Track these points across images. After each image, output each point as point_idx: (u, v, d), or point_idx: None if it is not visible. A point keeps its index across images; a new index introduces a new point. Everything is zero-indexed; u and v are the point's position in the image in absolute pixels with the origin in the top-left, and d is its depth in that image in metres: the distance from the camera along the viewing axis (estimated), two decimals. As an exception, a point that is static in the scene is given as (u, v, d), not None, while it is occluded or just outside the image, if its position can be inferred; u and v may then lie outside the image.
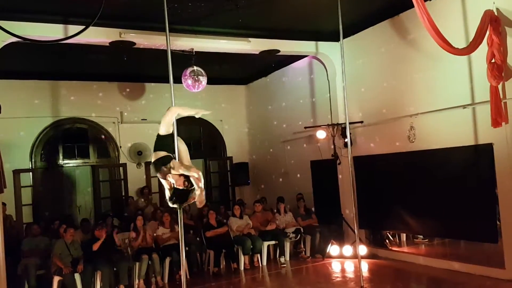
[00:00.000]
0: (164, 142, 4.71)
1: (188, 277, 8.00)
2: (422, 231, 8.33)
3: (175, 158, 4.63)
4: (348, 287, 7.14)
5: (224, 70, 10.96)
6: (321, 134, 9.44)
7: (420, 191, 7.73)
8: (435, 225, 7.61)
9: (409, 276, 7.57)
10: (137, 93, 11.56)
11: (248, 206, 10.51)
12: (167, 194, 4.67)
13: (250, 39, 8.55)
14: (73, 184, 11.25)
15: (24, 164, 10.32)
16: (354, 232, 7.62)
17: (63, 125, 10.93)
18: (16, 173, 10.08)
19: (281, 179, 11.42)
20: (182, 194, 4.56)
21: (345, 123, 7.27)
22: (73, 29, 6.66)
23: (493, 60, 6.22)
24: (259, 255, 8.88)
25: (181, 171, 4.49)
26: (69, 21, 7.01)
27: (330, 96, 9.69)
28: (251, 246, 8.71)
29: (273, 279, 8.10)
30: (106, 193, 11.31)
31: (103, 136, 11.27)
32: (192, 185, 4.53)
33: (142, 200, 10.80)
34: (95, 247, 7.59)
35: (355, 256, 7.97)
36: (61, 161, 10.98)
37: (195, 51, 8.28)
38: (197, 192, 4.58)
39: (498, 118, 6.15)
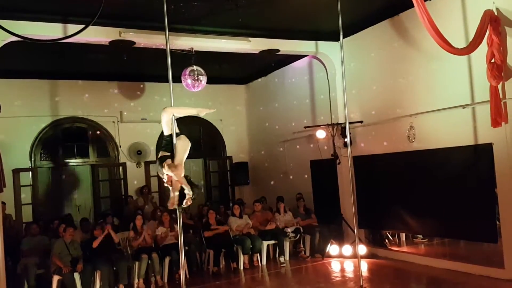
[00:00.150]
0: (167, 142, 4.77)
1: (187, 276, 8.00)
2: (422, 230, 8.33)
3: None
4: (348, 287, 7.14)
5: (224, 70, 10.96)
6: (320, 133, 9.44)
7: (419, 191, 7.73)
8: (435, 225, 7.61)
9: (408, 276, 7.57)
10: (137, 93, 11.56)
11: (248, 205, 10.51)
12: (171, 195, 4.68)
13: (250, 38, 8.55)
14: (73, 183, 11.24)
15: (23, 163, 10.32)
16: (354, 232, 7.62)
17: (62, 125, 10.92)
18: (16, 172, 10.07)
19: (280, 179, 11.42)
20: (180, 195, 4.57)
21: (344, 122, 7.28)
22: (73, 28, 6.65)
23: (493, 60, 6.22)
24: (258, 255, 8.88)
25: (165, 170, 4.52)
26: (69, 20, 7.01)
27: (329, 95, 9.69)
28: (251, 246, 8.71)
29: (273, 279, 8.10)
30: (105, 193, 11.31)
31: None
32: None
33: (142, 199, 10.80)
34: (95, 244, 7.60)
35: (354, 255, 7.96)
36: (60, 161, 10.97)
37: (195, 51, 8.28)
38: (171, 193, 4.60)
39: (497, 118, 6.14)
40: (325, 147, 9.59)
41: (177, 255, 7.36)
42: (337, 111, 9.45)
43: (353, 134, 8.91)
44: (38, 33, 6.80)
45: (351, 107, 8.35)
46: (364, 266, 7.97)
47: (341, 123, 9.12)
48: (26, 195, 10.25)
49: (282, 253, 9.14)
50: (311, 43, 9.29)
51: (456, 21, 6.92)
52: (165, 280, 8.09)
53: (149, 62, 9.57)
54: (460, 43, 6.51)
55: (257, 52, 9.10)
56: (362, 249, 8.24)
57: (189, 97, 10.24)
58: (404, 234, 9.42)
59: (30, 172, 10.43)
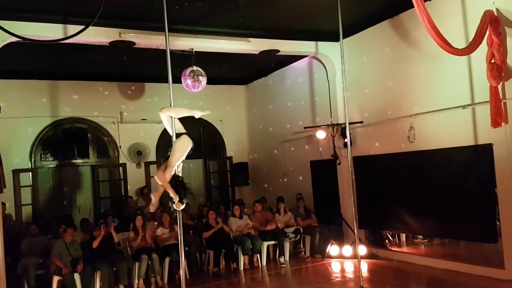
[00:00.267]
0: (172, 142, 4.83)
1: (187, 277, 8.00)
2: (422, 231, 8.33)
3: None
4: (348, 287, 7.14)
5: (224, 70, 10.96)
6: (321, 134, 9.44)
7: (420, 191, 7.73)
8: (435, 225, 7.61)
9: (408, 276, 7.57)
10: (137, 93, 11.56)
11: (248, 206, 10.51)
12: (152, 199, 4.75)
13: (250, 39, 8.55)
14: (73, 184, 11.24)
15: (23, 164, 10.32)
16: (354, 232, 7.62)
17: (62, 125, 10.92)
18: (16, 173, 10.08)
19: (280, 179, 11.42)
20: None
21: (345, 123, 7.27)
22: (73, 29, 6.66)
23: (492, 60, 6.22)
24: (258, 255, 8.88)
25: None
26: (69, 20, 7.01)
27: (330, 96, 9.69)
28: (251, 246, 8.70)
29: (273, 279, 8.10)
30: (105, 193, 11.31)
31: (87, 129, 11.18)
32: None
33: (142, 200, 10.79)
34: (95, 244, 7.59)
35: (354, 256, 7.96)
36: (60, 161, 10.97)
37: (194, 51, 8.28)
38: (152, 198, 4.65)
39: (497, 118, 6.14)
40: (325, 148, 9.59)
41: (177, 256, 7.36)
42: (337, 111, 9.45)
43: (353, 135, 8.91)
44: (38, 34, 6.81)
45: (351, 108, 8.35)
46: (364, 266, 7.97)
47: (341, 124, 9.12)
48: (26, 196, 10.25)
49: (282, 253, 9.13)
50: (311, 43, 9.29)
51: (456, 21, 6.92)
52: (165, 280, 8.08)
53: (149, 63, 9.58)
54: (460, 44, 6.50)
55: (257, 53, 9.10)
56: (362, 249, 8.24)
57: (189, 98, 10.24)
58: (404, 235, 9.42)
59: (30, 173, 10.43)
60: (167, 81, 4.94)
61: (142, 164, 11.48)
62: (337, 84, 9.43)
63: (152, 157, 11.51)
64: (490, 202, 6.68)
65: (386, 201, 8.42)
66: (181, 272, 4.96)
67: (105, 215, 9.47)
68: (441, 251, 8.67)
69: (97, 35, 7.30)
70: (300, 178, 10.71)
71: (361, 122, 8.96)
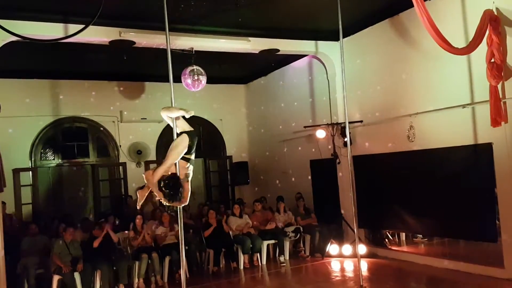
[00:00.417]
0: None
1: (187, 276, 7.99)
2: (422, 230, 8.33)
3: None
4: (348, 286, 7.15)
5: (223, 70, 10.95)
6: (320, 133, 9.44)
7: (419, 190, 7.73)
8: (435, 225, 7.62)
9: (408, 275, 7.57)
10: (137, 92, 11.56)
11: (248, 205, 10.51)
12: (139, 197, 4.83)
13: (249, 38, 8.55)
14: (73, 183, 11.24)
15: (23, 163, 10.33)
16: (354, 231, 7.62)
17: (62, 124, 10.93)
18: (16, 172, 10.08)
19: (280, 178, 11.43)
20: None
21: (344, 122, 7.28)
22: (73, 28, 6.66)
23: (492, 60, 6.22)
24: (258, 254, 8.88)
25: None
26: (69, 20, 7.00)
27: (329, 95, 9.70)
28: (251, 245, 8.71)
29: (273, 278, 8.11)
30: (105, 192, 11.32)
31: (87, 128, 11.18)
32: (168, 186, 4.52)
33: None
34: (95, 244, 7.61)
35: (354, 255, 7.96)
36: (60, 160, 10.98)
37: (194, 50, 8.29)
38: (138, 193, 4.76)
39: (497, 117, 6.15)
40: (325, 147, 9.59)
41: (177, 255, 7.36)
42: (337, 110, 9.45)
43: (353, 134, 8.91)
44: (38, 33, 6.80)
45: (351, 107, 8.35)
46: (364, 265, 7.98)
47: (341, 123, 9.12)
48: (26, 195, 10.26)
49: (282, 252, 9.14)
50: (311, 43, 9.29)
51: (456, 21, 6.92)
52: (165, 279, 8.09)
53: (149, 62, 9.57)
54: (459, 43, 6.51)
55: (257, 52, 9.10)
56: (362, 248, 8.25)
57: (189, 97, 10.24)
58: (404, 234, 9.43)
59: (30, 172, 10.43)
60: (167, 80, 4.94)
61: (142, 163, 11.48)
62: (337, 83, 9.43)
63: (152, 156, 11.51)
64: (490, 201, 6.69)
65: (386, 200, 8.43)
66: (181, 271, 4.97)
67: (106, 214, 9.48)
68: (440, 250, 8.68)
69: (97, 35, 7.29)
70: (300, 177, 10.72)
71: (361, 121, 8.96)
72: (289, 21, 8.23)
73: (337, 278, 7.66)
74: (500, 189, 6.56)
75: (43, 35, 6.80)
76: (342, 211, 9.36)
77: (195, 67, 8.07)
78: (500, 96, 6.21)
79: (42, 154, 10.77)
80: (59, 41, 6.53)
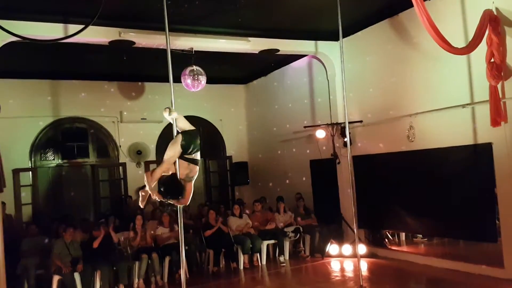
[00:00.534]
0: None
1: (187, 276, 7.99)
2: (422, 230, 8.34)
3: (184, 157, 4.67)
4: (347, 286, 7.14)
5: (223, 70, 10.96)
6: (320, 133, 9.44)
7: (419, 190, 7.73)
8: (435, 225, 7.62)
9: (408, 275, 7.57)
10: (137, 93, 11.56)
11: (248, 205, 10.51)
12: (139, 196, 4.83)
13: (249, 38, 8.55)
14: (73, 183, 11.24)
15: (23, 163, 10.33)
16: (354, 231, 7.63)
17: (62, 125, 10.93)
18: (16, 172, 10.08)
19: (280, 179, 11.42)
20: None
21: (344, 122, 7.28)
22: (73, 28, 6.66)
23: (492, 60, 6.23)
24: (258, 255, 8.88)
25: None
26: (69, 20, 7.00)
27: (329, 95, 9.70)
28: (251, 246, 8.71)
29: (273, 279, 8.11)
30: (105, 193, 11.32)
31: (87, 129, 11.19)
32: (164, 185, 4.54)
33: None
34: (95, 244, 7.60)
35: (354, 255, 7.96)
36: (60, 161, 10.98)
37: (194, 51, 8.29)
38: (140, 192, 4.76)
39: (497, 117, 6.15)
40: (325, 147, 9.59)
41: (177, 255, 7.36)
42: (337, 110, 9.45)
43: (352, 134, 8.91)
44: (38, 33, 6.81)
45: (350, 107, 8.36)
46: (364, 265, 7.98)
47: (340, 123, 9.12)
48: (26, 195, 10.26)
49: (282, 252, 9.15)
50: (311, 43, 9.29)
51: (456, 21, 6.93)
52: (165, 280, 8.09)
53: (149, 62, 9.56)
54: (459, 43, 6.51)
55: (256, 52, 9.11)
56: (362, 248, 8.25)
57: (189, 97, 10.23)
58: (404, 234, 9.43)
59: (30, 172, 10.44)
60: (167, 81, 4.93)
61: (142, 163, 11.48)
62: (337, 83, 9.43)
63: (152, 156, 11.51)
64: (490, 201, 6.69)
65: (386, 200, 8.43)
66: (181, 272, 4.96)
67: (106, 215, 9.47)
68: (440, 250, 8.68)
69: (97, 35, 7.30)
70: (300, 177, 10.72)
71: (361, 121, 8.96)
72: (289, 21, 8.23)
73: (337, 278, 7.66)
74: (500, 189, 6.56)
75: (43, 35, 6.80)
76: (342, 211, 9.35)
77: (195, 67, 8.07)
78: (500, 96, 6.21)
79: (42, 155, 10.77)
80: (59, 41, 6.53)
